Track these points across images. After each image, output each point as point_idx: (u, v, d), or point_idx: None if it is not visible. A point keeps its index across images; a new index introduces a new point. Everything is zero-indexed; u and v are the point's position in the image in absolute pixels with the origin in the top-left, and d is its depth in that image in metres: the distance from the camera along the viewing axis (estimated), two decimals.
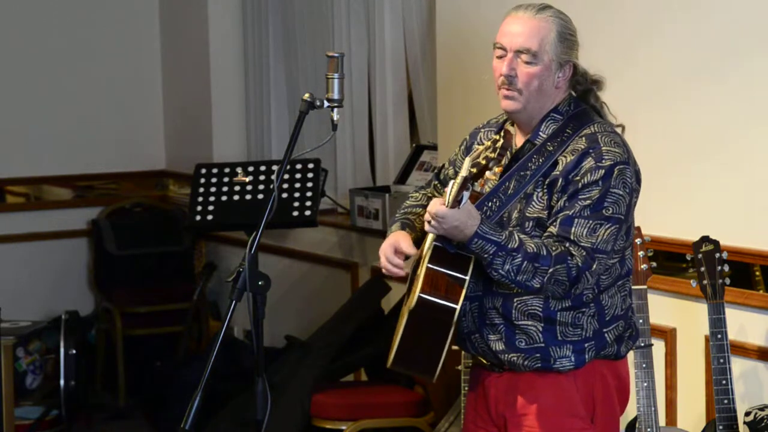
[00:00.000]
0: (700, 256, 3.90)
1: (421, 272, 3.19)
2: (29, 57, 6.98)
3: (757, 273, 4.07)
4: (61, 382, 6.09)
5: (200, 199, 5.16)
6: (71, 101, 7.10)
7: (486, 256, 3.10)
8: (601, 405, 3.29)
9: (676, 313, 4.28)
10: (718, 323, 3.81)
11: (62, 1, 7.08)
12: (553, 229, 3.15)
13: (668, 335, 4.29)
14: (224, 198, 5.15)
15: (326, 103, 3.32)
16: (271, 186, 4.23)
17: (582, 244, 3.12)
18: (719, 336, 3.80)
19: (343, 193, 6.20)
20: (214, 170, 5.24)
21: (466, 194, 3.00)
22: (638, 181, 3.26)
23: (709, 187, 4.15)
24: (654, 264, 3.99)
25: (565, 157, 3.19)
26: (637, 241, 3.95)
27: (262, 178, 5.16)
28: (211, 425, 5.25)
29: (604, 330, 3.26)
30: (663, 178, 4.25)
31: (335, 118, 3.32)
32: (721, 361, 3.79)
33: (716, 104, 4.11)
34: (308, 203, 5.13)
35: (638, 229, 3.94)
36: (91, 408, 6.39)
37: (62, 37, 7.06)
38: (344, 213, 6.17)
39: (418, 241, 3.37)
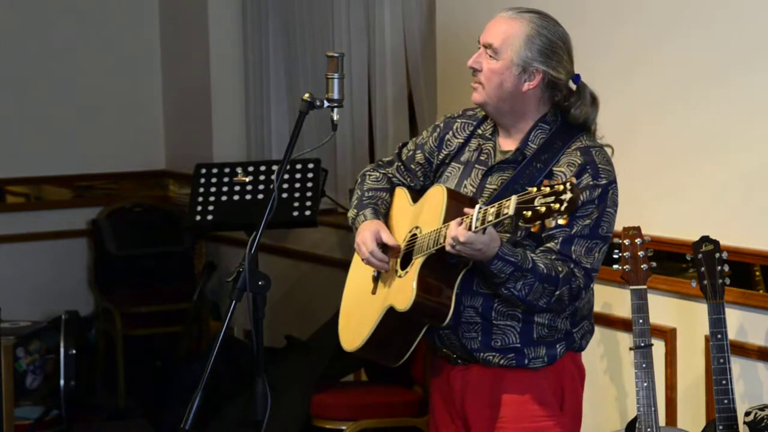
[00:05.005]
0: (700, 256, 3.89)
1: (413, 274, 3.20)
2: (29, 57, 6.98)
3: (757, 273, 4.07)
4: (61, 382, 6.08)
5: (200, 199, 5.16)
6: (71, 101, 7.10)
7: (503, 276, 3.12)
8: (569, 393, 3.36)
9: (676, 313, 4.28)
10: (718, 323, 3.81)
11: (62, 1, 7.08)
12: (553, 246, 3.18)
13: (668, 335, 4.29)
14: (224, 198, 5.15)
15: (326, 103, 3.32)
16: (271, 186, 4.23)
17: (583, 264, 3.19)
18: (719, 336, 3.80)
19: (343, 193, 6.20)
20: (214, 170, 5.24)
21: (495, 222, 3.02)
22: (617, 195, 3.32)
23: (709, 187, 4.15)
24: (654, 264, 3.99)
25: (562, 170, 3.21)
26: (637, 241, 3.95)
27: (262, 178, 5.16)
28: (211, 425, 5.25)
29: (574, 330, 3.33)
30: (663, 178, 4.25)
31: (335, 118, 3.33)
32: (721, 361, 3.78)
33: (716, 105, 4.11)
34: (308, 203, 5.13)
35: (638, 229, 3.94)
36: (91, 408, 6.39)
37: (62, 37, 7.06)
38: (344, 213, 6.16)
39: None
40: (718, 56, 4.09)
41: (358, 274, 3.47)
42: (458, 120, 3.45)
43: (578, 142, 3.25)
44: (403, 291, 3.21)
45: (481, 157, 3.35)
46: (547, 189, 2.91)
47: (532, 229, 2.97)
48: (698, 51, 4.15)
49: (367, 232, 3.34)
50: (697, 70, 4.16)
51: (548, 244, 3.18)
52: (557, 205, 2.87)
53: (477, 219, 3.04)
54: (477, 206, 3.07)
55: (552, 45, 3.24)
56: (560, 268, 3.15)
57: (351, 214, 3.48)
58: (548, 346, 3.27)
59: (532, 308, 3.19)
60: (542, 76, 3.25)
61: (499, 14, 3.31)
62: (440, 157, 3.42)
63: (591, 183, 3.19)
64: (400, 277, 3.27)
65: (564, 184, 2.89)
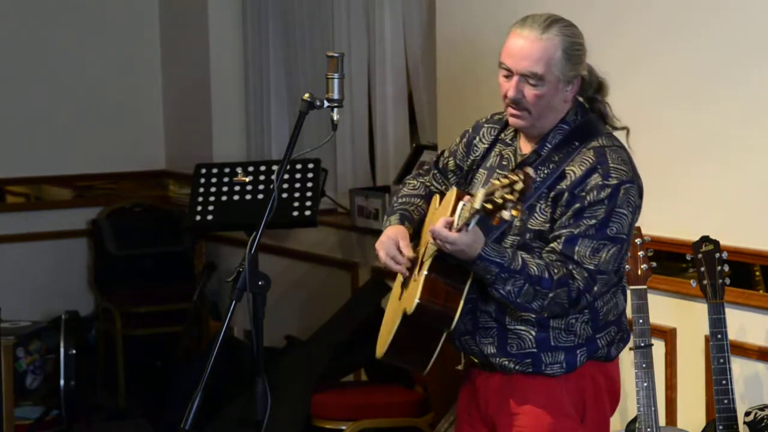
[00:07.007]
0: (700, 256, 3.90)
1: (420, 278, 3.18)
2: (29, 57, 6.98)
3: (757, 273, 4.07)
4: (61, 382, 6.08)
5: (200, 199, 5.16)
6: (71, 101, 7.10)
7: (489, 276, 3.10)
8: (592, 405, 3.30)
9: (676, 313, 4.28)
10: (718, 323, 3.81)
11: (62, 1, 7.08)
12: (556, 246, 3.14)
13: (668, 335, 4.29)
14: (224, 198, 5.15)
15: (326, 103, 3.32)
16: (271, 186, 4.23)
17: (585, 265, 3.12)
18: (719, 336, 3.80)
19: (343, 193, 6.20)
20: (214, 170, 5.24)
21: (474, 219, 3.00)
22: (641, 196, 3.24)
23: (709, 187, 4.15)
24: (654, 264, 3.99)
25: (573, 170, 3.17)
26: (637, 241, 3.95)
27: (262, 178, 5.16)
28: (211, 425, 5.25)
29: (597, 336, 3.26)
30: (663, 178, 4.25)
31: (335, 118, 3.33)
32: (721, 361, 3.79)
33: (717, 105, 4.11)
34: (308, 203, 5.13)
35: (638, 229, 3.94)
36: (91, 408, 6.39)
37: (62, 37, 7.06)
38: (344, 213, 6.17)
39: (416, 232, 3.37)
40: (719, 56, 4.09)
41: (397, 280, 3.46)
42: (486, 125, 3.41)
43: (595, 142, 3.21)
44: (412, 295, 3.20)
45: (503, 162, 3.32)
46: (506, 180, 2.89)
47: (493, 222, 2.97)
48: (699, 51, 4.16)
49: (386, 237, 3.32)
50: (698, 70, 4.16)
51: (552, 244, 3.15)
52: (510, 195, 2.87)
53: (459, 216, 3.04)
54: (461, 203, 3.06)
55: (580, 48, 3.24)
56: (556, 270, 3.10)
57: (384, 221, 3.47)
58: (567, 352, 3.22)
59: (526, 311, 3.16)
60: (580, 81, 3.25)
61: (519, 32, 3.19)
62: (468, 162, 3.40)
63: (600, 183, 3.14)
64: (414, 281, 3.26)
65: (517, 173, 2.88)
